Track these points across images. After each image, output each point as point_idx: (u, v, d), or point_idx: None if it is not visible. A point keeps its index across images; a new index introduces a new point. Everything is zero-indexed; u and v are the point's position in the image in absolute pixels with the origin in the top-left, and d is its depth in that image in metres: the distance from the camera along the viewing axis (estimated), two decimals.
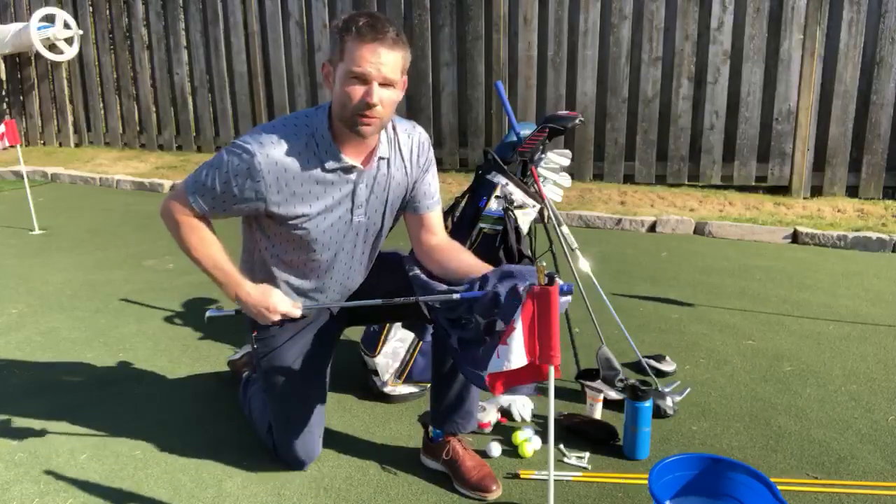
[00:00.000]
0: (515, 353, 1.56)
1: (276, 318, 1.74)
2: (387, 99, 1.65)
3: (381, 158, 1.81)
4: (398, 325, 2.38)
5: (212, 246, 1.81)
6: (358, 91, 1.62)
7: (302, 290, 1.94)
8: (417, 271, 1.85)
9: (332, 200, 1.79)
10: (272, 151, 1.69)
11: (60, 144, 7.98)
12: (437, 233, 1.94)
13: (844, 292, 3.42)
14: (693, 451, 2.06)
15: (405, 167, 1.87)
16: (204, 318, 1.85)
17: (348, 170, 1.77)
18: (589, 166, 5.71)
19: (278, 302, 1.73)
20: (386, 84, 1.64)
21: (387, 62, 1.61)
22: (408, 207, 1.93)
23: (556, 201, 2.63)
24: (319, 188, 1.76)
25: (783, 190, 5.23)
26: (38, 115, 8.03)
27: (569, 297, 1.55)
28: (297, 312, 1.75)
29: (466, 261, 1.82)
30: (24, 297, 3.48)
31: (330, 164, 1.74)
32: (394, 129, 1.85)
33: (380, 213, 1.88)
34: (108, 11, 7.46)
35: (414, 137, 1.88)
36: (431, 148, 1.94)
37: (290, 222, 1.78)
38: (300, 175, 1.73)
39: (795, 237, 4.35)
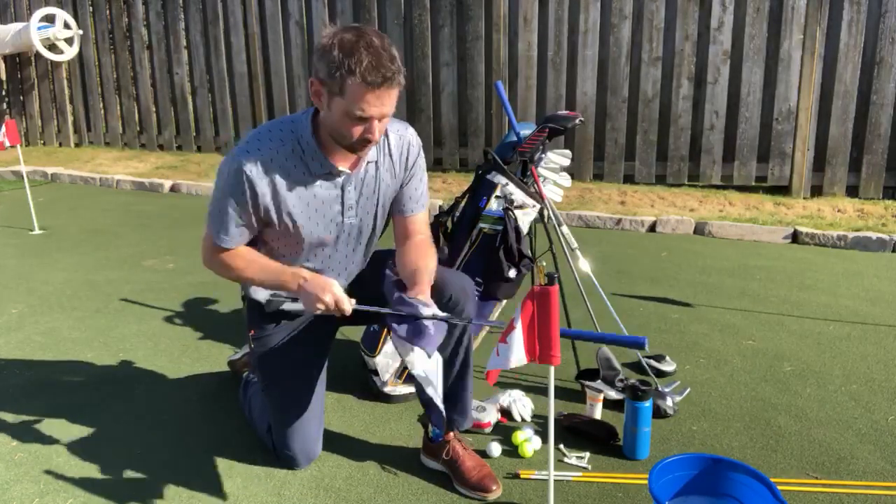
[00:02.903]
0: (515, 353, 1.56)
1: (329, 299, 1.67)
2: (384, 126, 1.67)
3: (369, 162, 1.82)
4: None
5: (258, 260, 1.83)
6: (358, 129, 1.63)
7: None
8: (389, 273, 1.91)
9: (321, 204, 1.80)
10: (260, 158, 1.71)
11: (60, 144, 7.98)
12: (417, 234, 1.94)
13: (844, 292, 3.42)
14: (693, 451, 2.06)
15: (394, 169, 1.88)
16: (264, 303, 1.85)
17: (335, 174, 1.78)
18: (589, 166, 5.71)
19: (333, 284, 1.70)
20: (384, 117, 1.64)
21: (389, 102, 1.61)
22: (393, 208, 1.94)
23: (556, 201, 2.63)
24: (308, 194, 1.77)
25: (783, 190, 5.23)
26: (38, 115, 8.02)
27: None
28: (348, 308, 1.70)
29: (413, 265, 1.81)
30: (24, 297, 3.48)
31: (317, 170, 1.76)
32: (385, 132, 1.85)
33: (371, 214, 1.89)
34: (108, 11, 7.46)
35: (405, 139, 1.89)
36: (422, 152, 1.94)
37: (282, 227, 1.79)
38: (288, 180, 1.74)
39: (795, 237, 4.35)
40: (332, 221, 1.83)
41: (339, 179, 1.79)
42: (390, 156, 1.86)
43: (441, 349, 1.89)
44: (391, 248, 2.08)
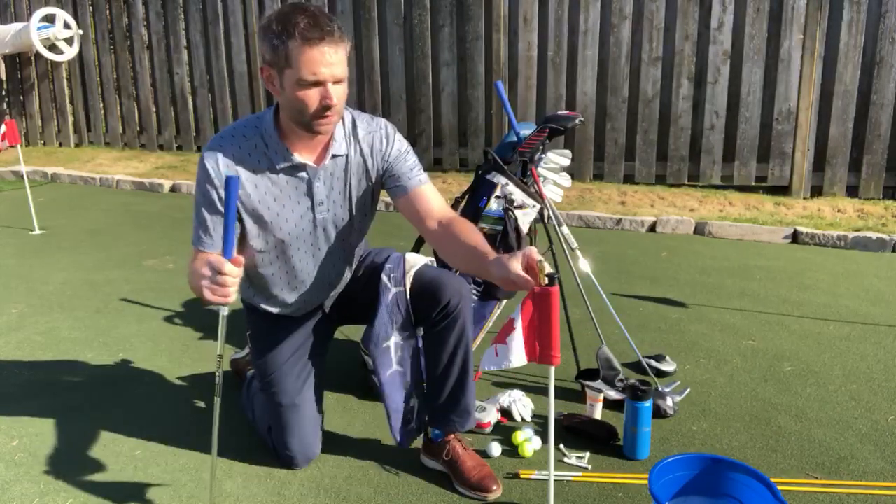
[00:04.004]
0: (515, 353, 1.57)
1: (206, 270, 1.48)
2: (341, 94, 1.65)
3: (336, 156, 1.79)
4: None
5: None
6: (314, 96, 1.60)
7: (285, 290, 1.94)
8: (385, 280, 1.89)
9: (289, 200, 1.78)
10: (222, 156, 1.71)
11: (60, 144, 7.98)
12: (435, 211, 1.82)
13: (844, 292, 3.42)
14: (693, 451, 2.06)
15: (366, 163, 1.84)
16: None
17: (299, 168, 1.76)
18: (589, 166, 5.71)
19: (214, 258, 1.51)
20: (338, 81, 1.62)
21: (336, 60, 1.59)
22: (397, 191, 1.84)
23: (556, 201, 2.63)
24: (275, 189, 1.76)
25: (783, 190, 5.23)
26: (38, 115, 8.02)
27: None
28: (231, 270, 1.48)
29: (470, 243, 1.70)
30: (24, 297, 3.48)
31: (280, 164, 1.74)
32: (353, 124, 1.83)
33: (345, 208, 1.86)
34: (108, 11, 7.46)
35: (375, 134, 1.84)
36: (397, 136, 1.87)
37: (252, 224, 1.78)
38: (252, 177, 1.74)
39: (795, 237, 4.35)
40: (304, 217, 1.82)
41: (305, 174, 1.77)
42: (360, 150, 1.83)
43: (440, 350, 1.90)
44: (379, 250, 2.08)
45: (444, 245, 1.81)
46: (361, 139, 1.83)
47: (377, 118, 1.89)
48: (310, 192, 1.79)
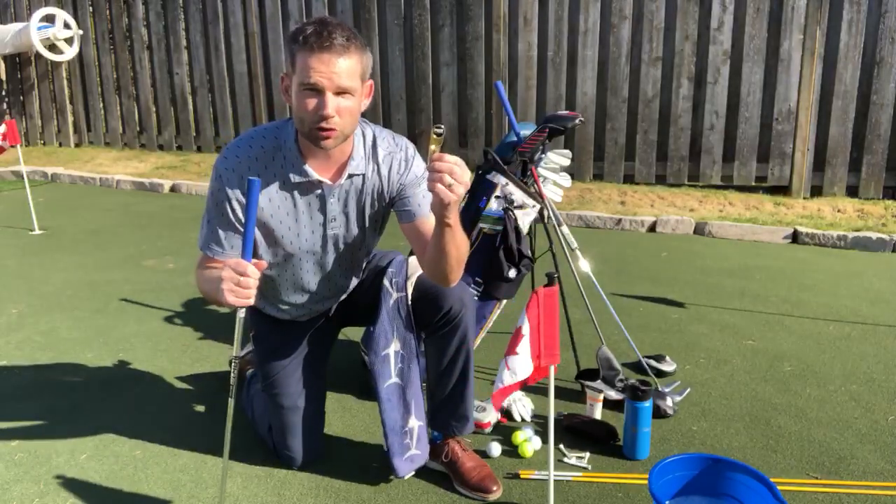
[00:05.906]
0: (522, 364, 1.57)
1: (227, 273, 1.49)
2: (345, 108, 1.58)
3: (354, 175, 1.75)
4: None
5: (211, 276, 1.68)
6: (311, 103, 1.56)
7: (292, 299, 1.93)
8: (387, 285, 1.88)
9: (301, 215, 1.76)
10: (238, 167, 1.68)
11: (60, 144, 7.98)
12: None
13: (844, 292, 3.42)
14: (693, 451, 2.06)
15: (382, 186, 1.80)
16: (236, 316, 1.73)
17: (315, 184, 1.73)
18: (589, 166, 5.71)
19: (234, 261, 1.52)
20: (342, 93, 1.57)
21: (339, 70, 1.54)
22: (404, 215, 1.83)
23: (556, 201, 2.63)
24: (288, 204, 1.74)
25: (783, 190, 5.23)
26: (38, 115, 8.02)
27: None
28: (251, 271, 1.50)
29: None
30: (24, 297, 3.48)
31: (295, 179, 1.71)
32: (373, 144, 1.78)
33: (357, 225, 1.84)
34: (108, 11, 7.46)
35: (395, 155, 1.80)
36: (417, 158, 1.83)
37: (262, 237, 1.77)
38: (267, 190, 1.71)
39: (795, 237, 4.35)
40: (315, 233, 1.80)
41: (320, 191, 1.74)
42: (378, 171, 1.79)
43: (441, 356, 1.89)
44: (383, 255, 2.07)
45: (427, 264, 1.78)
46: (381, 160, 1.79)
47: (400, 138, 1.84)
48: (323, 209, 1.77)
